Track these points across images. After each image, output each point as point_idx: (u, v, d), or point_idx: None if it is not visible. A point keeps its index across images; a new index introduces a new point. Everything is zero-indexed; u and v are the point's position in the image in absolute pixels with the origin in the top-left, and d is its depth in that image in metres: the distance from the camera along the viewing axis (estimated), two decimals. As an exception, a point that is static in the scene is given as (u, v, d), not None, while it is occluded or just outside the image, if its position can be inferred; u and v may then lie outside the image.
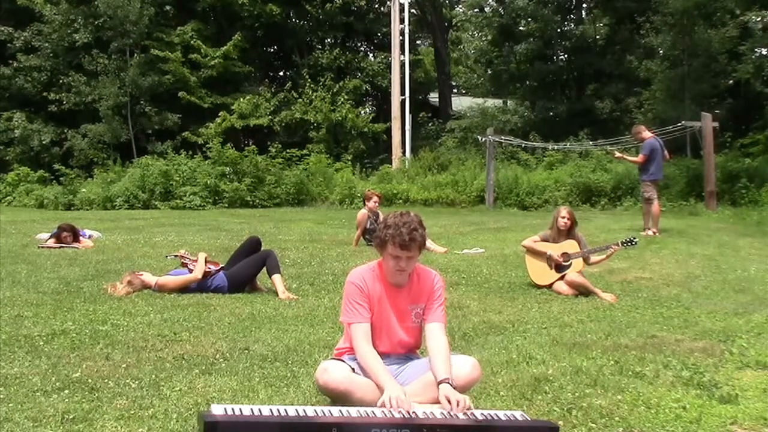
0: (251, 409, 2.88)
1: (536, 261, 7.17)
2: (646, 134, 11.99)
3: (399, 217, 3.39)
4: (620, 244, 7.10)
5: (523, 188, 18.72)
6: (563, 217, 7.09)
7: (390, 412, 2.95)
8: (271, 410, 2.89)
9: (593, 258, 7.20)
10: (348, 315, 3.42)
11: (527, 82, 26.92)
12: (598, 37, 26.16)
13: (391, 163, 23.77)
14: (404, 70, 24.57)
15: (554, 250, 7.06)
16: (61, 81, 26.26)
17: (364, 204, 10.68)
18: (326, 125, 25.50)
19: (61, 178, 23.45)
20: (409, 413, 2.94)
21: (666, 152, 12.03)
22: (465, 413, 2.97)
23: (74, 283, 6.96)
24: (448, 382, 3.14)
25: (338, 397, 3.25)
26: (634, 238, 7.27)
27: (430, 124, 29.63)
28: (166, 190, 20.93)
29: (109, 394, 3.61)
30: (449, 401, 3.02)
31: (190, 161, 22.02)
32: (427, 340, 3.43)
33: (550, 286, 6.98)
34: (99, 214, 18.64)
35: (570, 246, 7.05)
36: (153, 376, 3.93)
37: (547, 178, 19.10)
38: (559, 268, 7.00)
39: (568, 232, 7.11)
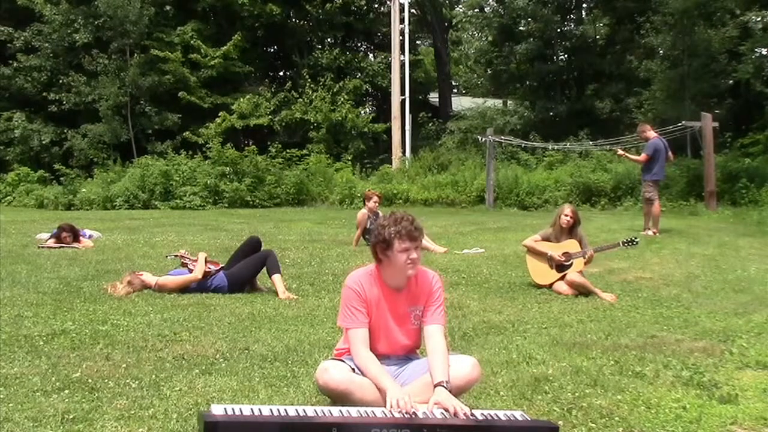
0: (251, 409, 2.88)
1: (537, 261, 7.15)
2: (651, 134, 11.98)
3: (393, 215, 3.47)
4: (621, 244, 7.10)
5: (523, 188, 18.72)
6: (566, 215, 7.02)
7: (392, 413, 2.96)
8: (271, 410, 2.89)
9: (597, 253, 7.13)
10: (345, 320, 3.42)
11: (527, 82, 26.91)
12: (598, 37, 26.16)
13: (391, 163, 23.77)
14: (404, 70, 24.57)
15: (555, 249, 7.05)
16: (61, 81, 26.24)
17: (364, 204, 10.69)
18: (326, 125, 25.50)
19: (61, 178, 23.44)
20: (414, 414, 2.94)
21: (670, 153, 12.03)
22: (465, 414, 2.97)
23: (74, 283, 6.96)
24: (444, 386, 3.14)
25: (338, 397, 3.25)
26: (635, 238, 7.26)
27: (430, 124, 29.63)
28: (166, 190, 20.93)
29: (109, 394, 3.61)
30: (443, 407, 3.02)
31: (190, 161, 22.03)
32: (427, 342, 3.42)
33: (550, 286, 6.97)
34: (99, 214, 18.64)
35: (571, 245, 7.03)
36: (153, 376, 3.93)
37: (547, 178, 19.11)
38: (560, 268, 6.99)
39: (570, 231, 7.07)
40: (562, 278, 6.92)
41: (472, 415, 2.97)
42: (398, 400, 3.00)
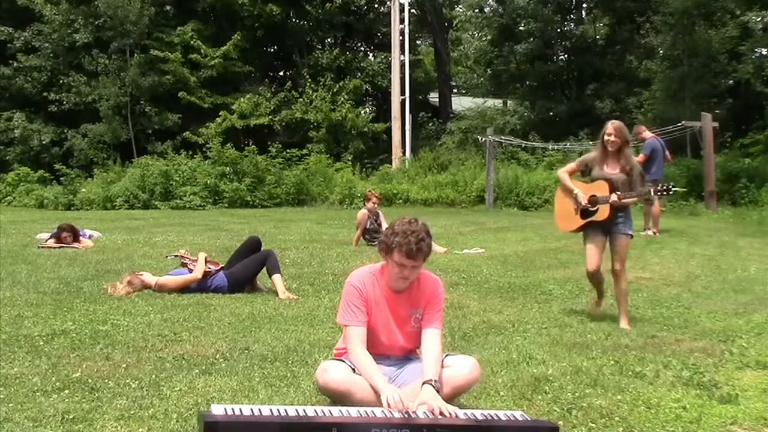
0: (251, 409, 2.88)
1: (565, 199, 6.12)
2: (647, 134, 12.02)
3: (407, 224, 3.35)
4: (652, 192, 6.10)
5: (523, 188, 18.71)
6: (609, 135, 5.73)
7: (389, 412, 2.95)
8: (271, 410, 2.89)
9: (625, 200, 5.93)
10: (344, 317, 3.43)
11: (527, 82, 26.91)
12: (598, 37, 26.15)
13: (391, 163, 23.78)
14: (404, 70, 24.57)
15: (584, 190, 5.94)
16: (61, 81, 26.23)
17: (364, 204, 10.70)
18: (326, 125, 25.50)
19: (61, 178, 23.42)
20: (408, 413, 2.94)
21: (667, 153, 12.03)
22: (465, 414, 2.97)
23: (74, 283, 6.95)
24: (431, 384, 3.14)
25: (338, 397, 3.25)
26: (672, 186, 6.22)
27: (430, 124, 29.63)
28: (166, 190, 20.92)
29: (109, 394, 3.61)
30: (428, 407, 3.01)
31: (190, 161, 22.01)
32: (422, 343, 3.43)
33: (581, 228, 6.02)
34: (99, 214, 18.63)
35: (600, 188, 5.91)
36: (153, 376, 3.93)
37: (547, 178, 19.07)
38: (584, 213, 5.93)
39: (619, 152, 5.80)
40: (585, 226, 5.95)
41: (465, 414, 2.97)
42: (393, 399, 3.00)
